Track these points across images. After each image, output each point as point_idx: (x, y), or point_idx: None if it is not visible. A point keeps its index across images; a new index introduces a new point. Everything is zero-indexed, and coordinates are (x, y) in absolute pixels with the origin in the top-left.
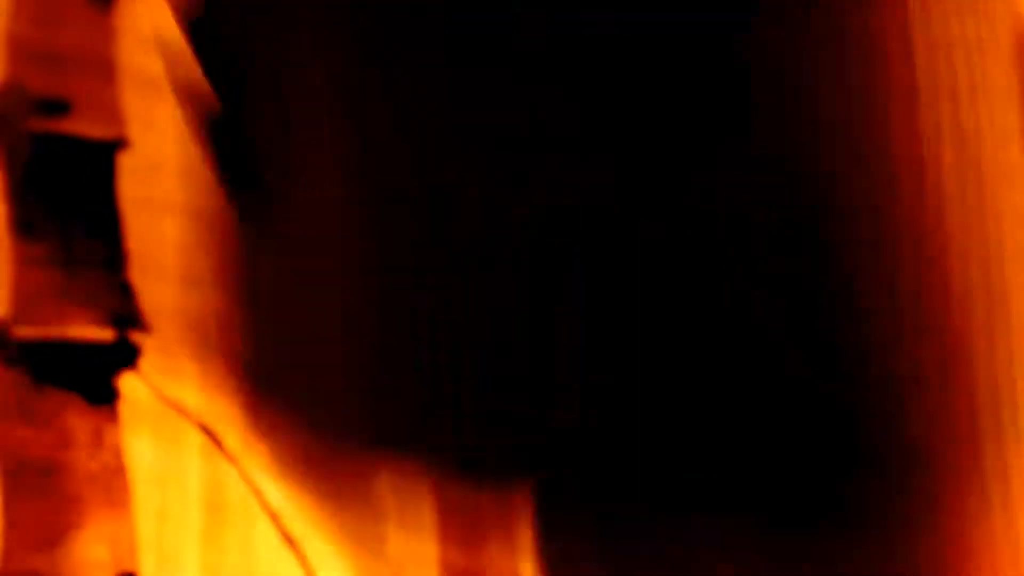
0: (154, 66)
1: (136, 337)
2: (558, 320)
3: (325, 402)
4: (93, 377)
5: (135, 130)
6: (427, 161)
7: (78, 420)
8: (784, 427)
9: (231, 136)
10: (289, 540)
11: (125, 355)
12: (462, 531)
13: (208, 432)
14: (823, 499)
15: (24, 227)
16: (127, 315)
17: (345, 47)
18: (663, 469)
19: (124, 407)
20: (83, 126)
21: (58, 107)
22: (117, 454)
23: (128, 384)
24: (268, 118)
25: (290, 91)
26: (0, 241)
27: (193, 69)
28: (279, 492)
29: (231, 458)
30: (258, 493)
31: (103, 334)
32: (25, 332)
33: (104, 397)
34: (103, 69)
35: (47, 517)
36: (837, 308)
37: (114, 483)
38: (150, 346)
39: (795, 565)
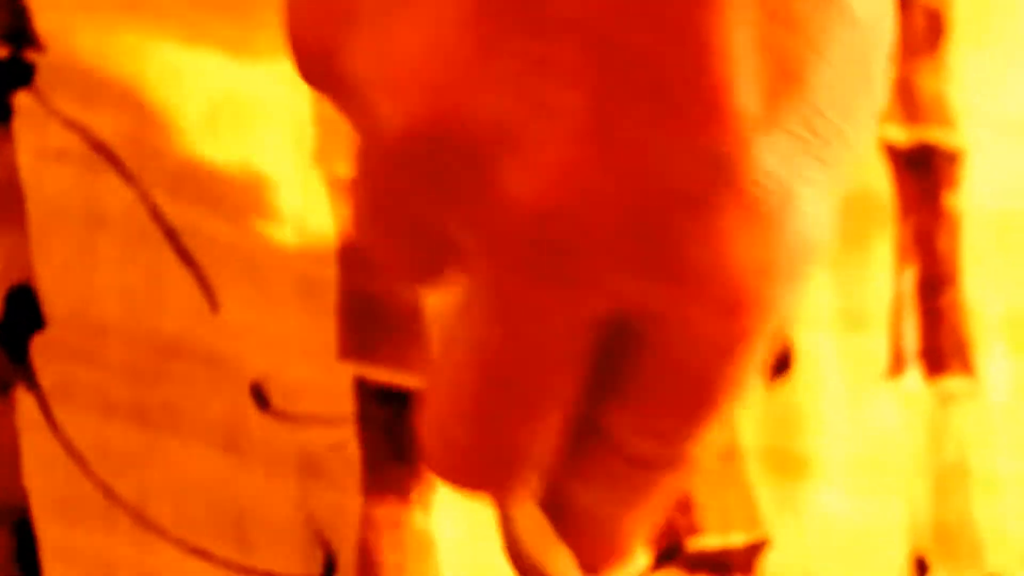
0: None
1: (31, 55)
2: None
3: None
4: None
5: None
6: None
7: None
8: None
9: None
10: (188, 259)
11: (20, 73)
12: None
13: (103, 148)
14: None
15: None
16: (21, 33)
17: None
18: None
19: (18, 124)
20: None
21: None
22: (12, 171)
23: (23, 102)
24: None
25: None
26: None
27: None
28: (179, 210)
29: (128, 176)
30: (155, 211)
31: None
32: None
33: None
34: None
35: None
36: None
37: (5, 200)
38: (45, 64)
39: None
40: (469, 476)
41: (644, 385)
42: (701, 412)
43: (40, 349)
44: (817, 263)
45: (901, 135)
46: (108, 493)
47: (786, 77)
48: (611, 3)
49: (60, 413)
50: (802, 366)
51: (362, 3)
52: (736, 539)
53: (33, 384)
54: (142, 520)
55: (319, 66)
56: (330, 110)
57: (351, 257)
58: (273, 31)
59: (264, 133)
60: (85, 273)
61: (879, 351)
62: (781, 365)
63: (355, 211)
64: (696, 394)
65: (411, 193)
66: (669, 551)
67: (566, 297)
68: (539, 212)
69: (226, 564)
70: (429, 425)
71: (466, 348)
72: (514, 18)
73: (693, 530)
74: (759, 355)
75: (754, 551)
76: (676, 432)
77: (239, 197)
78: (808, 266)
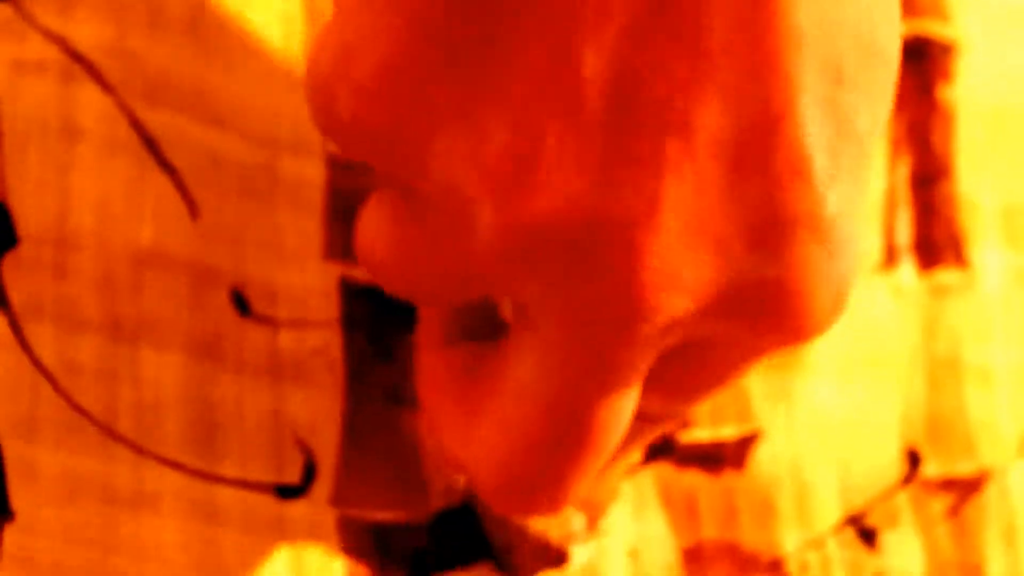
0: None
1: None
2: None
3: None
4: None
5: None
6: None
7: None
8: None
9: None
10: (165, 166)
11: None
12: None
13: (81, 59)
14: None
15: None
16: None
17: None
18: None
19: None
20: None
21: None
22: None
23: (2, 14)
24: None
25: None
26: None
27: None
28: (158, 118)
29: (107, 86)
30: (133, 119)
31: None
32: None
33: None
34: None
35: None
36: None
37: None
38: None
39: None
40: (529, 506)
41: (679, 376)
42: (723, 388)
43: (11, 267)
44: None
45: None
46: (75, 407)
47: (845, 131)
48: (703, 90)
49: (29, 329)
50: None
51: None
52: (728, 432)
53: (3, 302)
54: (111, 434)
55: (385, 150)
56: (321, 3)
57: (337, 157)
58: None
59: (248, 38)
60: (60, 187)
61: (872, 243)
62: None
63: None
64: (726, 381)
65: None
66: (660, 445)
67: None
68: (650, 308)
69: (199, 474)
70: (488, 458)
71: (537, 403)
72: (630, 122)
73: (684, 424)
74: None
75: (746, 444)
76: (692, 401)
77: (221, 103)
78: (854, 280)
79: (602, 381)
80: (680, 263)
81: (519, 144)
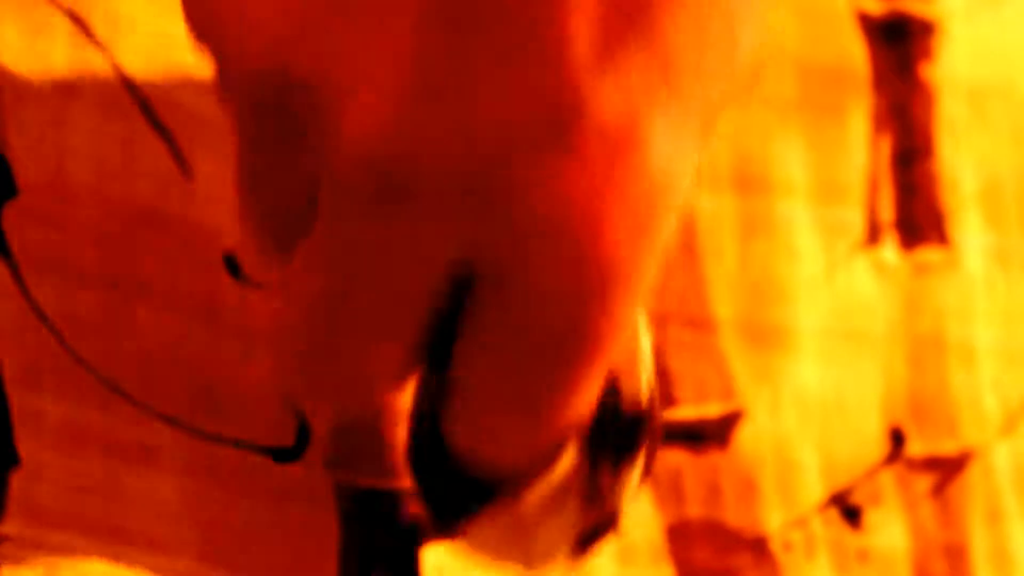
0: None
1: None
2: None
3: None
4: None
5: None
6: None
7: None
8: None
9: None
10: (161, 128)
11: None
12: None
13: (76, 18)
14: None
15: None
16: None
17: None
18: None
19: (3, 5)
20: None
21: None
22: None
23: None
24: None
25: None
26: None
27: None
28: (152, 81)
29: (100, 45)
30: (126, 80)
31: None
32: None
33: None
34: None
35: None
36: None
37: None
38: None
39: None
40: (321, 394)
41: (496, 334)
42: (562, 365)
43: (12, 216)
44: (677, 202)
45: (876, 5)
46: (77, 359)
47: (629, 19)
48: None
49: (30, 279)
50: (778, 237)
51: None
52: (711, 410)
53: (5, 251)
54: (111, 386)
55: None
56: None
57: None
58: None
59: None
60: (58, 141)
61: (855, 221)
62: None
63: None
64: (550, 348)
65: (267, 137)
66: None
67: (408, 236)
68: (373, 155)
69: (195, 431)
70: (279, 357)
71: (311, 287)
72: None
73: (668, 401)
74: (626, 307)
75: (729, 422)
76: (541, 390)
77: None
78: (665, 205)
79: (363, 258)
80: (402, 118)
81: None
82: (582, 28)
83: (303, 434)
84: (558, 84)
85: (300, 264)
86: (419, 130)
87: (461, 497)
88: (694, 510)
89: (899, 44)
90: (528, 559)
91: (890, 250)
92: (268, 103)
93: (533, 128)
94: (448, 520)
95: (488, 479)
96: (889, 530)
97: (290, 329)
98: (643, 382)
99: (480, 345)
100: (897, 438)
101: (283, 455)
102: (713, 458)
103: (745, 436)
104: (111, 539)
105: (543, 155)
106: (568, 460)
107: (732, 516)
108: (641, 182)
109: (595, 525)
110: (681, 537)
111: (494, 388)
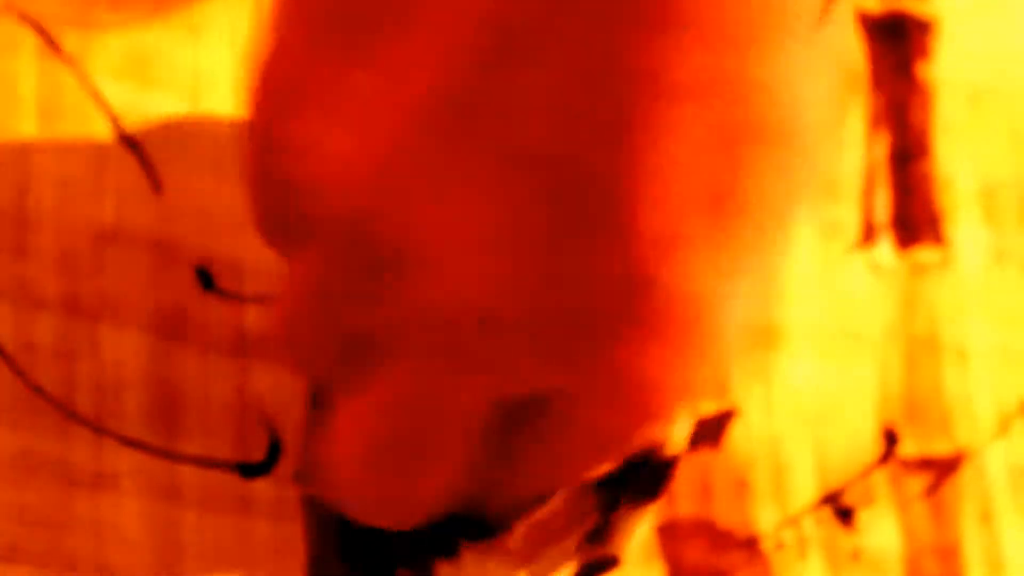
0: None
1: None
2: None
3: None
4: None
5: None
6: None
7: None
8: None
9: None
10: (129, 142)
11: None
12: None
13: (43, 33)
14: None
15: None
16: None
17: None
18: None
19: None
20: None
21: None
22: None
23: None
24: None
25: None
26: None
27: None
28: (122, 93)
29: (68, 60)
30: (96, 95)
31: None
32: None
33: None
34: None
35: None
36: None
37: None
38: None
39: None
40: (377, 516)
41: (538, 437)
42: (599, 459)
43: None
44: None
45: (875, 3)
46: (33, 388)
47: (718, 201)
48: (539, 115)
49: None
50: None
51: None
52: (704, 409)
53: None
54: (69, 413)
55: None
56: None
57: None
58: None
59: (214, 14)
60: (21, 165)
61: (850, 221)
62: None
63: (287, 309)
64: (592, 451)
65: (334, 292)
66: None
67: (479, 384)
68: (450, 318)
69: (160, 452)
70: (337, 474)
71: (380, 428)
72: (438, 128)
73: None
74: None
75: (722, 421)
76: (566, 471)
77: (185, 79)
78: (723, 366)
79: (429, 401)
80: (482, 287)
81: (348, 143)
82: (667, 209)
83: (274, 449)
84: (634, 261)
85: (368, 407)
86: (503, 298)
87: (442, 534)
88: (686, 509)
89: (896, 43)
90: None
91: (886, 250)
92: (342, 253)
93: (607, 300)
94: (424, 558)
95: (475, 517)
96: (882, 530)
97: (353, 460)
98: (685, 431)
99: (524, 440)
100: (890, 438)
101: (251, 470)
102: (705, 457)
103: (738, 435)
104: (63, 570)
105: (613, 325)
106: (559, 496)
107: (724, 515)
108: (703, 353)
109: (596, 560)
110: (673, 536)
111: (519, 466)
